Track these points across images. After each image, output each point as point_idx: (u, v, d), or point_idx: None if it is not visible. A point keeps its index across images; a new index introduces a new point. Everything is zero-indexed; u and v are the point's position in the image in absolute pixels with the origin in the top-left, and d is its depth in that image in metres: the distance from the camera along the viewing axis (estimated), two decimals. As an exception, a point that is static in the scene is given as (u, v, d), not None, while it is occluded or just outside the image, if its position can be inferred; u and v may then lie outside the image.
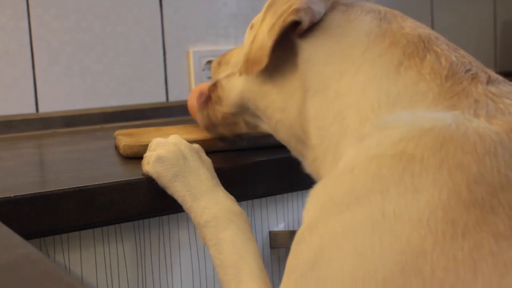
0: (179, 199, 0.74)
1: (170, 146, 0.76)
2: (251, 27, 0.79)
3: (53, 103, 1.28)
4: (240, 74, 0.78)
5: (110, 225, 0.79)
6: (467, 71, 0.62)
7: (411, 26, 0.68)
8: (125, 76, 1.35)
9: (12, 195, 0.70)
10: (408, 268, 0.48)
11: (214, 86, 0.86)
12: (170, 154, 0.75)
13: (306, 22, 0.68)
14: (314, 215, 0.58)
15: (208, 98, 0.87)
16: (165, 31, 1.39)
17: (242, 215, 0.73)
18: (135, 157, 0.89)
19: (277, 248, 0.92)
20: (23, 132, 1.25)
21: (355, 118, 0.64)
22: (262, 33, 0.72)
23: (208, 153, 0.80)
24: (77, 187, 0.73)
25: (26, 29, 1.24)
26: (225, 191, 0.75)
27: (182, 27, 1.41)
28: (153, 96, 1.39)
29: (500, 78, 0.64)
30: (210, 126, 0.88)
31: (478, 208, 0.49)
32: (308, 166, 0.74)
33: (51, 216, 0.72)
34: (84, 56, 1.30)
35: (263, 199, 0.91)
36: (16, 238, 0.55)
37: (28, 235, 0.68)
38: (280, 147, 0.85)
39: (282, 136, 0.77)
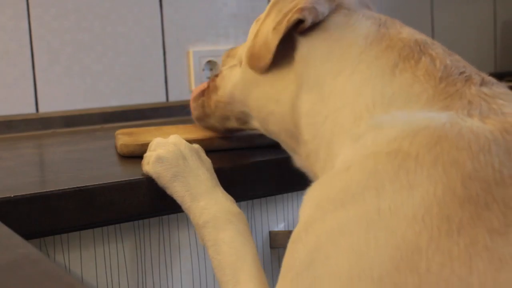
0: (179, 199, 0.74)
1: (170, 146, 0.76)
2: (257, 21, 0.80)
3: (53, 103, 1.28)
4: (240, 64, 0.80)
5: (110, 225, 0.79)
6: (461, 73, 0.64)
7: (408, 32, 0.69)
8: (125, 76, 1.35)
9: (12, 195, 0.70)
10: (403, 264, 0.49)
11: (215, 76, 0.87)
12: (169, 154, 0.75)
13: (309, 20, 0.70)
14: (310, 214, 0.59)
15: (206, 87, 0.88)
16: (165, 31, 1.39)
17: (241, 216, 0.73)
18: (132, 156, 0.89)
19: (277, 248, 0.92)
20: (23, 132, 1.25)
21: (350, 117, 0.64)
22: (265, 28, 0.73)
23: (207, 152, 0.81)
24: (77, 187, 0.73)
25: (26, 29, 1.24)
26: (224, 191, 0.75)
27: (182, 27, 1.41)
28: (153, 96, 1.39)
29: (494, 80, 0.65)
30: (202, 116, 0.89)
31: (473, 204, 0.50)
32: (300, 161, 0.75)
33: (51, 216, 0.72)
34: (84, 56, 1.30)
35: (263, 199, 0.91)
36: (16, 238, 0.55)
37: (28, 235, 0.68)
38: (279, 147, 0.85)
39: (272, 128, 0.78)
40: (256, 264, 0.70)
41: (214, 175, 0.77)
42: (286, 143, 0.77)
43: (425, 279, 0.48)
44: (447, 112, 0.58)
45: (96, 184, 0.74)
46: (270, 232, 0.92)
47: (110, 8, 1.33)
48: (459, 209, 0.50)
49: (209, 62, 1.43)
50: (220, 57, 1.37)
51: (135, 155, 0.88)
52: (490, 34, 1.93)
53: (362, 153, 0.58)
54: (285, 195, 0.93)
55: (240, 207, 0.75)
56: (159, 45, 1.39)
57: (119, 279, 0.80)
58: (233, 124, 0.87)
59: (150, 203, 0.77)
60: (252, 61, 0.74)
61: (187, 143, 0.78)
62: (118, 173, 0.82)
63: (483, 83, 0.63)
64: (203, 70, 1.43)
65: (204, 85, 0.96)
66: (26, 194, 0.71)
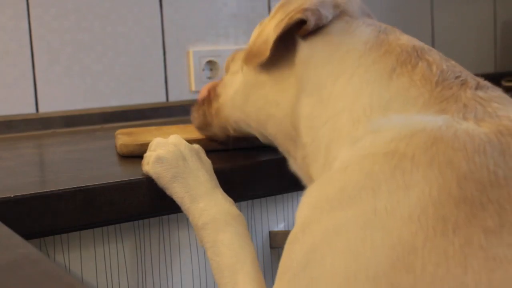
0: (178, 200, 0.75)
1: (170, 147, 0.76)
2: (260, 25, 0.81)
3: (53, 103, 1.28)
4: (241, 66, 0.80)
5: (110, 225, 0.79)
6: (457, 77, 0.64)
7: (407, 39, 0.70)
8: (125, 76, 1.35)
9: (12, 195, 0.70)
10: (399, 264, 0.49)
11: (216, 84, 0.87)
12: (169, 155, 0.75)
13: (312, 22, 0.70)
14: (307, 214, 0.59)
15: (208, 95, 0.88)
16: (165, 31, 1.39)
17: (240, 217, 0.74)
18: (131, 156, 0.89)
19: (277, 248, 0.92)
20: (23, 132, 1.25)
21: (348, 120, 0.65)
22: (268, 28, 0.73)
23: (207, 152, 0.81)
24: (77, 187, 0.73)
25: (26, 29, 1.24)
26: (223, 193, 0.76)
27: (182, 27, 1.41)
28: (153, 96, 1.39)
29: (489, 84, 0.66)
30: (203, 125, 0.89)
31: (468, 204, 0.50)
32: (296, 164, 0.76)
33: (51, 216, 0.72)
34: (84, 56, 1.30)
35: (263, 199, 0.91)
36: (16, 238, 0.55)
37: (28, 235, 0.68)
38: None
39: (270, 131, 0.78)
40: (254, 266, 0.70)
41: (214, 176, 0.77)
42: (283, 145, 0.78)
43: (420, 278, 0.48)
44: (443, 115, 0.59)
45: (96, 184, 0.74)
46: (270, 232, 0.92)
47: (110, 8, 1.33)
48: (454, 209, 0.50)
49: (209, 62, 1.43)
50: (220, 57, 1.37)
51: (135, 155, 0.88)
52: (490, 34, 1.93)
53: (359, 154, 0.59)
54: (285, 195, 0.93)
55: (240, 207, 0.75)
56: (159, 45, 1.39)
57: (119, 279, 0.80)
58: (231, 132, 0.87)
59: (150, 203, 0.77)
60: (249, 57, 0.75)
61: (187, 144, 0.78)
62: (118, 173, 0.82)
63: (478, 87, 0.64)
64: (203, 70, 1.43)
65: (209, 86, 0.96)
66: (26, 194, 0.71)
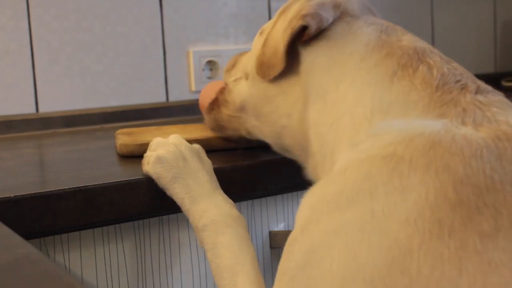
0: (178, 201, 0.75)
1: (170, 147, 0.76)
2: (261, 33, 0.81)
3: (53, 103, 1.28)
4: (247, 78, 0.80)
5: (110, 225, 0.79)
6: (457, 81, 0.65)
7: (409, 40, 0.70)
8: (125, 76, 1.35)
9: (12, 195, 0.70)
10: (395, 266, 0.50)
11: (223, 89, 0.87)
12: (170, 155, 0.75)
13: (313, 27, 0.70)
14: (306, 216, 0.60)
15: (215, 100, 0.88)
16: (165, 31, 1.39)
17: (240, 219, 0.74)
18: (131, 156, 0.89)
19: (277, 248, 0.92)
20: (23, 132, 1.25)
21: (350, 125, 0.66)
22: (275, 36, 0.74)
23: (207, 152, 0.81)
24: (77, 187, 0.73)
25: (26, 29, 1.24)
26: (224, 194, 0.76)
27: (182, 27, 1.41)
28: (153, 96, 1.39)
29: (489, 88, 0.66)
30: (217, 128, 0.90)
31: (464, 208, 0.50)
32: (310, 173, 0.76)
33: (51, 216, 0.72)
34: (84, 56, 1.30)
35: (263, 199, 0.91)
36: (16, 238, 0.55)
37: (28, 235, 0.68)
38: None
39: (287, 142, 0.78)
40: (254, 268, 0.70)
41: (214, 177, 0.77)
42: (300, 157, 0.78)
43: (416, 280, 0.49)
44: (442, 120, 0.60)
45: (96, 184, 0.74)
46: (270, 232, 0.92)
47: (110, 8, 1.33)
48: (450, 213, 0.50)
49: (209, 62, 1.43)
50: (220, 57, 1.37)
51: (135, 155, 0.88)
52: (490, 34, 1.93)
53: (358, 157, 0.59)
54: (285, 195, 0.93)
55: (240, 207, 0.75)
56: (159, 45, 1.39)
57: (119, 279, 0.80)
58: (245, 136, 0.87)
59: (150, 203, 0.77)
60: (263, 70, 0.75)
61: (188, 144, 0.78)
62: (118, 173, 0.82)
63: (478, 91, 0.64)
64: (203, 70, 1.43)
65: (214, 85, 0.96)
66: (26, 194, 0.71)
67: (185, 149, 0.77)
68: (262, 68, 0.75)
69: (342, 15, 0.73)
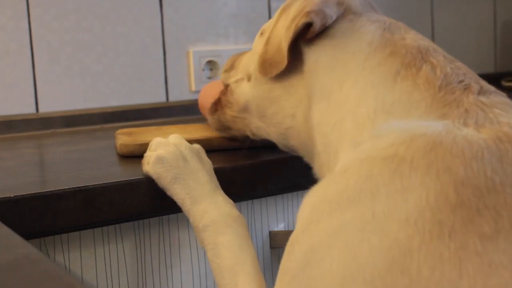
0: (179, 202, 0.75)
1: (170, 147, 0.76)
2: (261, 33, 0.80)
3: (53, 103, 1.28)
4: (248, 79, 0.80)
5: (110, 225, 0.79)
6: (460, 81, 0.65)
7: (412, 38, 0.70)
8: (125, 76, 1.35)
9: (12, 195, 0.70)
10: (395, 266, 0.50)
11: (225, 89, 0.87)
12: (170, 155, 0.75)
13: (317, 24, 0.70)
14: (307, 216, 0.60)
15: (218, 101, 0.88)
16: (165, 31, 1.39)
17: (240, 219, 0.74)
18: (132, 156, 0.89)
19: (277, 248, 0.92)
20: (23, 132, 1.25)
21: (353, 125, 0.66)
22: (277, 34, 0.73)
23: (207, 152, 0.81)
24: (77, 187, 0.73)
25: (26, 29, 1.24)
26: (224, 195, 0.76)
27: (182, 27, 1.41)
28: (153, 96, 1.39)
29: (492, 88, 0.66)
30: (222, 128, 0.90)
31: (465, 209, 0.50)
32: (316, 173, 0.76)
33: (51, 216, 0.72)
34: (84, 56, 1.30)
35: (263, 199, 0.91)
36: (16, 238, 0.55)
37: (28, 235, 0.68)
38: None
39: (292, 143, 0.78)
40: (255, 268, 0.70)
41: (214, 177, 0.77)
42: (306, 157, 0.78)
43: (416, 281, 0.49)
44: (443, 121, 0.59)
45: (96, 184, 0.74)
46: (270, 232, 0.92)
47: (110, 8, 1.33)
48: (451, 214, 0.50)
49: (209, 62, 1.43)
50: (220, 57, 1.37)
51: (135, 155, 0.88)
52: (490, 34, 1.93)
53: (359, 157, 0.59)
54: (285, 195, 0.93)
55: (240, 207, 0.75)
56: (159, 45, 1.39)
57: (119, 279, 0.80)
58: (250, 136, 0.87)
59: (150, 203, 0.77)
60: (265, 68, 0.75)
61: (188, 144, 0.78)
62: (118, 173, 0.82)
63: (481, 91, 0.64)
64: (203, 70, 1.42)
65: (214, 85, 0.96)
66: (26, 194, 0.71)
67: (185, 149, 0.77)
68: (264, 66, 0.74)
69: (345, 12, 0.73)
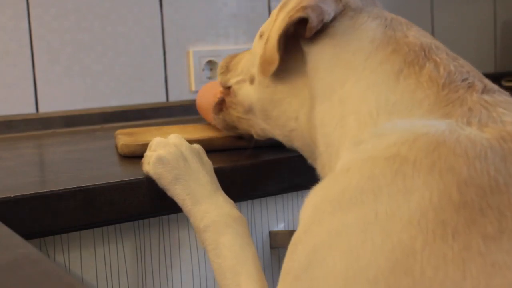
0: (179, 202, 0.74)
1: (171, 148, 0.76)
2: (261, 36, 0.80)
3: (53, 103, 1.28)
4: (251, 82, 0.80)
5: (110, 225, 0.79)
6: (464, 80, 0.64)
7: (415, 35, 0.69)
8: (125, 76, 1.35)
9: (12, 195, 0.70)
10: (398, 267, 0.49)
11: (228, 90, 0.87)
12: (171, 156, 0.75)
13: (313, 19, 0.69)
14: (310, 216, 0.60)
15: (222, 101, 0.88)
16: (165, 31, 1.39)
17: (241, 219, 0.74)
18: (133, 156, 0.89)
19: (277, 248, 0.92)
20: (23, 132, 1.25)
21: (355, 124, 0.65)
22: (274, 32, 0.73)
23: (208, 152, 0.81)
24: (77, 187, 0.73)
25: (26, 29, 1.24)
26: (224, 195, 0.76)
27: (182, 27, 1.41)
28: (153, 96, 1.39)
29: (496, 87, 0.65)
30: (228, 127, 0.90)
31: (468, 209, 0.50)
32: (319, 174, 0.75)
33: (51, 216, 0.72)
34: (84, 56, 1.30)
35: (263, 199, 0.91)
36: (16, 238, 0.55)
37: (28, 235, 0.68)
38: (280, 147, 0.85)
39: (297, 145, 0.78)
40: (256, 268, 0.70)
41: (215, 178, 0.77)
42: (310, 158, 0.78)
43: (419, 282, 0.48)
44: (446, 120, 0.59)
45: (96, 184, 0.74)
46: (270, 232, 0.92)
47: (110, 8, 1.33)
48: (454, 215, 0.50)
49: (209, 62, 1.43)
50: (220, 57, 1.37)
51: (136, 155, 0.88)
52: (490, 34, 1.93)
53: (361, 156, 0.59)
54: (285, 195, 0.93)
55: (240, 207, 0.75)
56: (159, 45, 1.39)
57: (119, 279, 0.80)
58: (255, 137, 0.88)
59: (150, 203, 0.77)
60: (264, 67, 0.74)
61: (188, 144, 0.78)
62: (118, 173, 0.82)
63: (485, 90, 0.63)
64: (203, 70, 1.42)
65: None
66: (26, 194, 0.71)
67: (186, 150, 0.77)
68: (263, 65, 0.74)
69: (344, 9, 0.71)
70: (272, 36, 0.73)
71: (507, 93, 0.65)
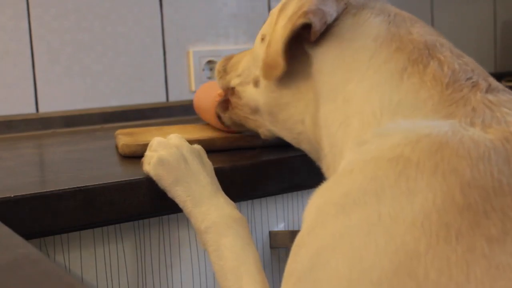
0: (180, 204, 0.74)
1: (172, 149, 0.76)
2: (262, 39, 0.80)
3: (53, 103, 1.28)
4: (255, 84, 0.80)
5: (110, 225, 0.79)
6: (468, 78, 0.63)
7: (419, 32, 0.68)
8: (125, 76, 1.35)
9: (12, 195, 0.70)
10: (402, 269, 0.49)
11: (232, 91, 0.86)
12: (171, 157, 0.75)
13: (317, 24, 0.68)
14: (313, 218, 0.59)
15: (227, 101, 0.88)
16: (165, 31, 1.39)
17: (241, 220, 0.73)
18: (134, 156, 0.89)
19: (277, 248, 0.92)
20: (23, 132, 1.25)
21: (358, 124, 0.65)
22: (276, 36, 0.72)
23: (208, 152, 0.80)
24: (77, 187, 0.73)
25: (26, 29, 1.24)
26: (225, 196, 0.75)
27: (182, 27, 1.41)
28: (153, 96, 1.39)
29: (501, 86, 0.65)
30: (235, 125, 0.90)
31: (472, 212, 0.50)
32: (325, 175, 0.75)
33: (51, 216, 0.72)
34: (84, 56, 1.30)
35: (263, 199, 0.91)
36: (16, 238, 0.55)
37: (28, 235, 0.67)
38: (280, 147, 0.85)
39: (305, 147, 0.78)
40: (258, 269, 0.70)
41: (215, 179, 0.77)
42: (317, 161, 0.77)
43: (423, 284, 0.48)
44: (450, 121, 0.59)
45: (96, 184, 0.74)
46: (270, 232, 0.92)
47: (110, 8, 1.33)
48: (458, 217, 0.50)
49: (209, 62, 1.43)
50: (220, 57, 1.37)
51: (137, 155, 0.88)
52: (490, 34, 1.93)
53: (364, 158, 0.59)
54: (285, 195, 0.93)
55: (240, 207, 0.75)
56: (159, 45, 1.39)
57: (119, 279, 0.80)
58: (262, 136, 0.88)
59: (150, 203, 0.77)
60: (267, 71, 0.74)
61: (189, 145, 0.78)
62: (118, 173, 0.82)
63: (489, 89, 0.62)
64: (203, 70, 1.42)
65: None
66: (26, 194, 0.71)
67: (187, 151, 0.77)
68: (266, 69, 0.74)
69: (346, 7, 0.70)
70: (275, 42, 0.72)
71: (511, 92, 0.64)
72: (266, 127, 0.83)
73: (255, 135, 0.92)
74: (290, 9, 0.71)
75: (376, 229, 0.52)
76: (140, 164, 0.78)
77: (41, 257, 0.48)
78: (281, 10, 0.74)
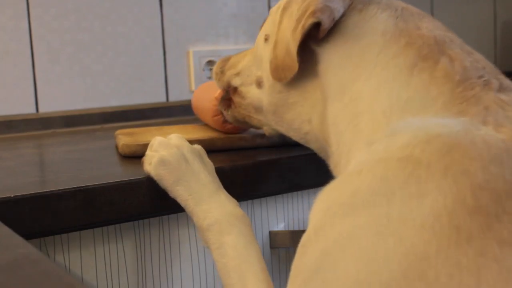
0: (182, 203, 0.74)
1: (172, 149, 0.76)
2: (266, 39, 0.79)
3: (53, 103, 1.28)
4: (258, 85, 0.79)
5: (110, 225, 0.79)
6: (480, 77, 0.62)
7: (427, 27, 0.67)
8: (125, 76, 1.35)
9: (12, 195, 0.70)
10: (411, 272, 0.48)
11: (234, 90, 0.86)
12: (172, 157, 0.75)
13: (326, 21, 0.67)
14: (320, 218, 0.58)
15: (230, 99, 0.88)
16: (165, 31, 1.39)
17: (244, 218, 0.73)
18: (134, 156, 0.89)
19: (277, 248, 0.92)
20: (23, 132, 1.25)
21: (368, 123, 0.64)
22: (284, 37, 0.71)
23: (208, 152, 0.81)
24: (77, 187, 0.73)
25: (26, 29, 1.24)
26: (227, 194, 0.75)
27: (182, 27, 1.41)
28: (153, 96, 1.39)
29: None
30: (238, 123, 0.90)
31: (483, 214, 0.49)
32: (332, 172, 0.74)
33: (51, 216, 0.72)
34: (84, 56, 1.30)
35: (263, 199, 0.91)
36: (16, 238, 0.55)
37: (28, 235, 0.67)
38: (280, 147, 0.85)
39: (313, 146, 0.78)
40: (261, 267, 0.70)
41: (216, 178, 0.77)
42: (326, 159, 0.76)
43: (433, 287, 0.47)
44: (461, 119, 0.57)
45: (96, 184, 0.74)
46: (270, 232, 0.92)
47: (110, 8, 1.33)
48: (468, 219, 0.49)
49: (209, 62, 1.43)
50: (220, 57, 1.37)
51: (137, 155, 0.88)
52: (490, 34, 1.93)
53: (374, 158, 0.58)
54: (285, 195, 0.93)
55: (240, 207, 0.75)
56: (159, 45, 1.39)
57: (119, 279, 0.80)
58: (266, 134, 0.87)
59: (150, 203, 0.77)
60: (278, 73, 0.73)
61: (190, 145, 0.78)
62: (118, 173, 0.82)
63: (501, 88, 0.61)
64: (203, 70, 1.42)
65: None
66: (26, 194, 0.71)
67: (187, 151, 0.77)
68: (277, 71, 0.72)
69: (352, 2, 0.69)
70: (282, 43, 0.71)
71: None
72: (271, 126, 0.83)
73: (255, 135, 0.92)
74: (295, 8, 0.71)
75: (385, 230, 0.51)
76: (140, 164, 0.78)
77: (41, 257, 0.48)
78: (285, 9, 0.73)
